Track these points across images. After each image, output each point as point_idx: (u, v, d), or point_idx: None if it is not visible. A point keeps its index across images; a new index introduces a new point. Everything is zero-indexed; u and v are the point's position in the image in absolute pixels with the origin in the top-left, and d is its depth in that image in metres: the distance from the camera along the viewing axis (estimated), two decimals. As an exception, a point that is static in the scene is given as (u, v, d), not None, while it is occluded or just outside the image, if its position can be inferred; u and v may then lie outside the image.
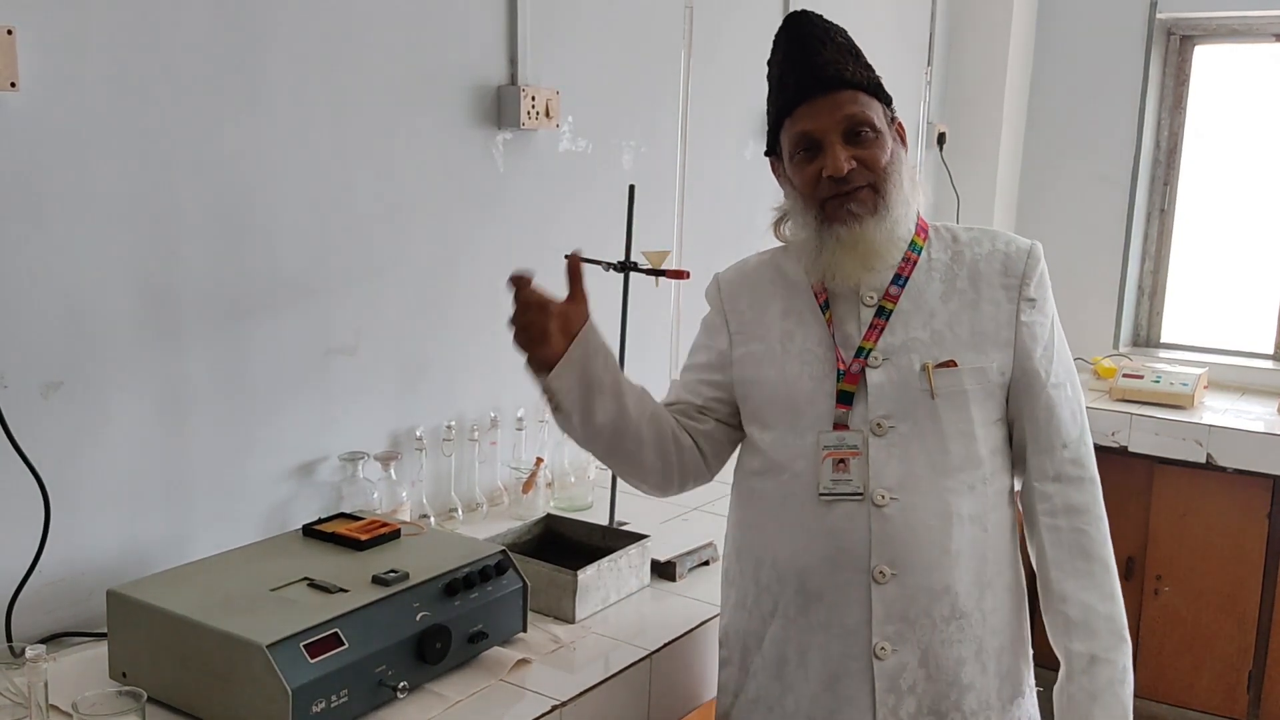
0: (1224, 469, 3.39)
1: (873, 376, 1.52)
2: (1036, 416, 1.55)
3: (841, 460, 1.52)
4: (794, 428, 1.56)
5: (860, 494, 1.50)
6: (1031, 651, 1.63)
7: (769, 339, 1.60)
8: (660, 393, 2.86)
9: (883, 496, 1.50)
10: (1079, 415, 1.57)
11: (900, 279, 1.55)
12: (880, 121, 1.50)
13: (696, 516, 2.37)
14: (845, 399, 1.53)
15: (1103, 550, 1.54)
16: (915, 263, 1.56)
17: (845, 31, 1.54)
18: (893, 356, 1.52)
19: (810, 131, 1.49)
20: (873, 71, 1.52)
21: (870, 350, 1.53)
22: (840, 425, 1.52)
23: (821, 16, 1.55)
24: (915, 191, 1.55)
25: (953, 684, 1.52)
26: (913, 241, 1.56)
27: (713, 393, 1.66)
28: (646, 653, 1.72)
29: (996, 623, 1.54)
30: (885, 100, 1.52)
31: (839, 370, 1.53)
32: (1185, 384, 3.56)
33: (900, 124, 1.55)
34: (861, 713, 1.52)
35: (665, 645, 1.75)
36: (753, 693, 1.62)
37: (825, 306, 1.57)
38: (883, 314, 1.54)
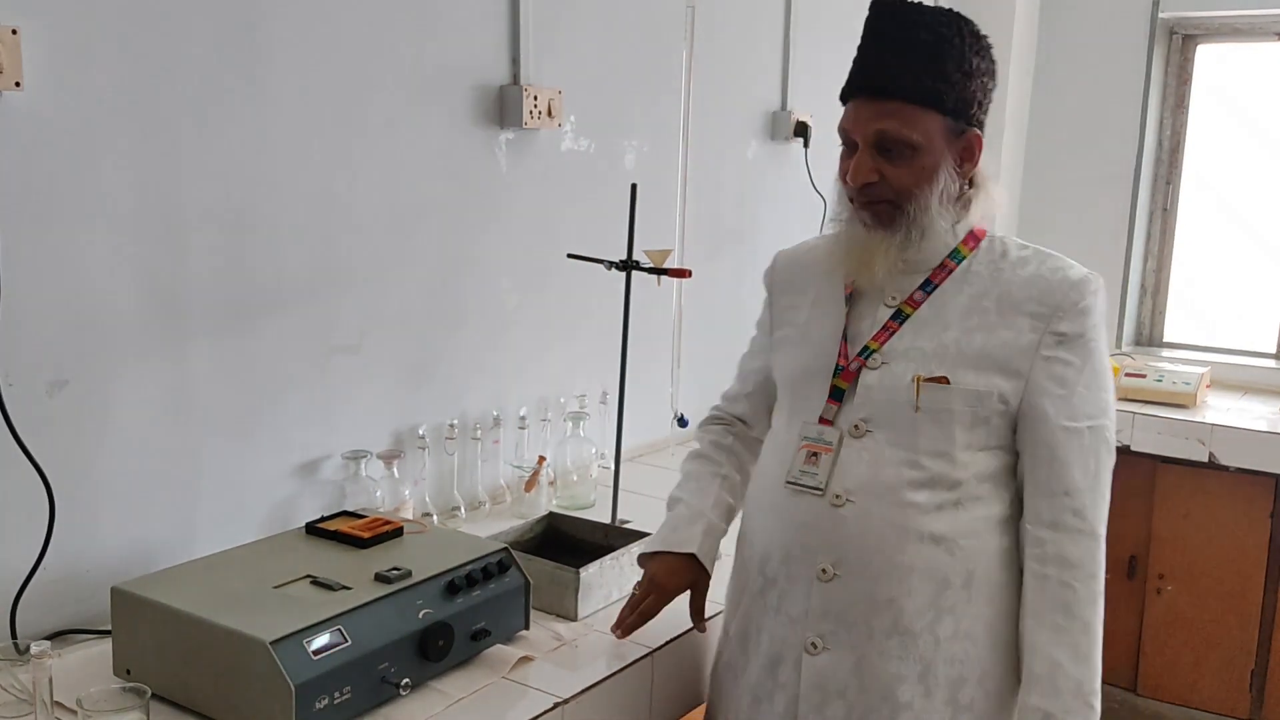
0: (1226, 468, 3.39)
1: (867, 378, 1.51)
2: (1037, 455, 1.48)
3: (814, 454, 1.53)
4: (792, 416, 1.59)
5: (820, 490, 1.51)
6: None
7: (797, 325, 1.63)
8: (656, 395, 2.86)
9: (838, 497, 1.50)
10: (1094, 466, 1.47)
11: (930, 285, 1.52)
12: (924, 137, 1.44)
13: (699, 515, 2.37)
14: (837, 395, 1.53)
15: (1087, 610, 1.45)
16: (952, 272, 1.52)
17: (947, 24, 1.45)
18: (892, 361, 1.51)
19: (848, 130, 1.49)
20: (945, 80, 1.44)
21: (874, 351, 1.52)
22: (826, 420, 1.54)
23: (914, 8, 1.46)
24: (970, 207, 1.52)
25: (885, 699, 1.49)
26: (955, 249, 1.52)
27: (759, 377, 1.74)
28: (648, 650, 1.72)
29: (956, 652, 1.48)
30: (950, 111, 1.45)
31: (838, 365, 1.54)
32: (1188, 383, 3.56)
33: (973, 136, 1.49)
34: (790, 702, 1.55)
35: (667, 643, 1.75)
36: (727, 657, 1.68)
37: (851, 300, 1.57)
38: (899, 317, 1.52)
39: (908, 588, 1.47)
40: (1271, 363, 3.95)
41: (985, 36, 1.50)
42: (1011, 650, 1.51)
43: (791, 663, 1.54)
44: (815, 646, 1.52)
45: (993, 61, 1.52)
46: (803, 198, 3.24)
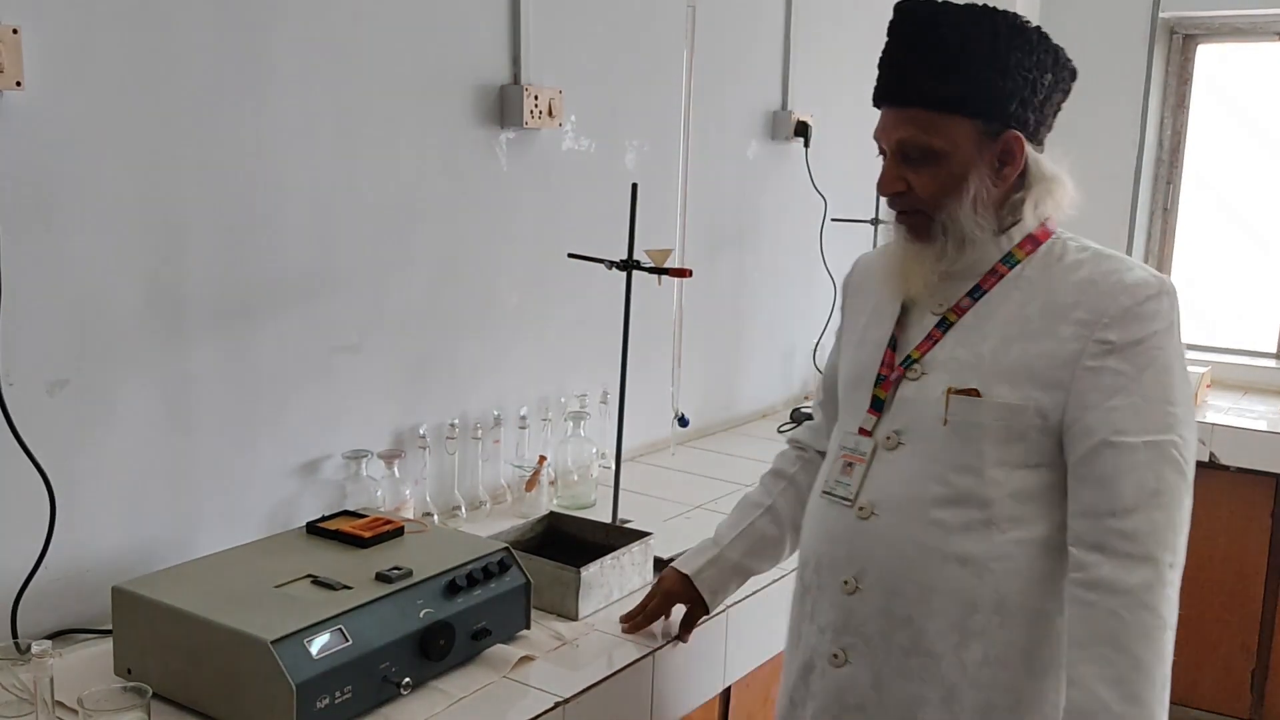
0: (1227, 468, 3.39)
1: (905, 389, 1.46)
2: (1080, 473, 1.36)
3: (850, 464, 1.50)
4: (841, 423, 1.57)
5: (849, 501, 1.49)
6: None
7: (856, 331, 1.60)
8: (656, 395, 2.86)
9: (863, 509, 1.47)
10: (1153, 485, 1.32)
11: (978, 291, 1.44)
12: (947, 143, 1.37)
13: (699, 514, 2.37)
14: (877, 405, 1.49)
15: (1139, 645, 1.30)
16: (1003, 277, 1.43)
17: (976, 20, 1.37)
18: (930, 372, 1.45)
19: (877, 139, 1.45)
20: (970, 81, 1.36)
21: (915, 361, 1.46)
22: (864, 430, 1.50)
23: (937, 7, 1.39)
24: (1020, 210, 1.43)
25: (905, 718, 1.46)
26: (1009, 254, 1.44)
27: (830, 383, 1.71)
28: (649, 650, 1.72)
29: (985, 679, 1.41)
30: (979, 114, 1.37)
31: (879, 374, 1.50)
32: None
33: (1011, 137, 1.39)
34: (818, 711, 1.54)
35: (668, 643, 1.75)
36: (785, 654, 1.67)
37: (905, 307, 1.51)
38: (943, 325, 1.46)
39: (928, 607, 1.42)
40: (1271, 363, 3.95)
41: (1033, 28, 1.40)
42: (1058, 679, 1.41)
43: (820, 672, 1.53)
44: (837, 658, 1.50)
45: (1048, 52, 1.41)
46: (803, 197, 3.24)
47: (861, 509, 1.47)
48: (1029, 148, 1.42)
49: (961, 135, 1.38)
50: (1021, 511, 1.40)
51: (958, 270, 1.45)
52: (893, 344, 1.51)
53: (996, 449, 1.39)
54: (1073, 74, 1.47)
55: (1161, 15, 3.97)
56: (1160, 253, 4.18)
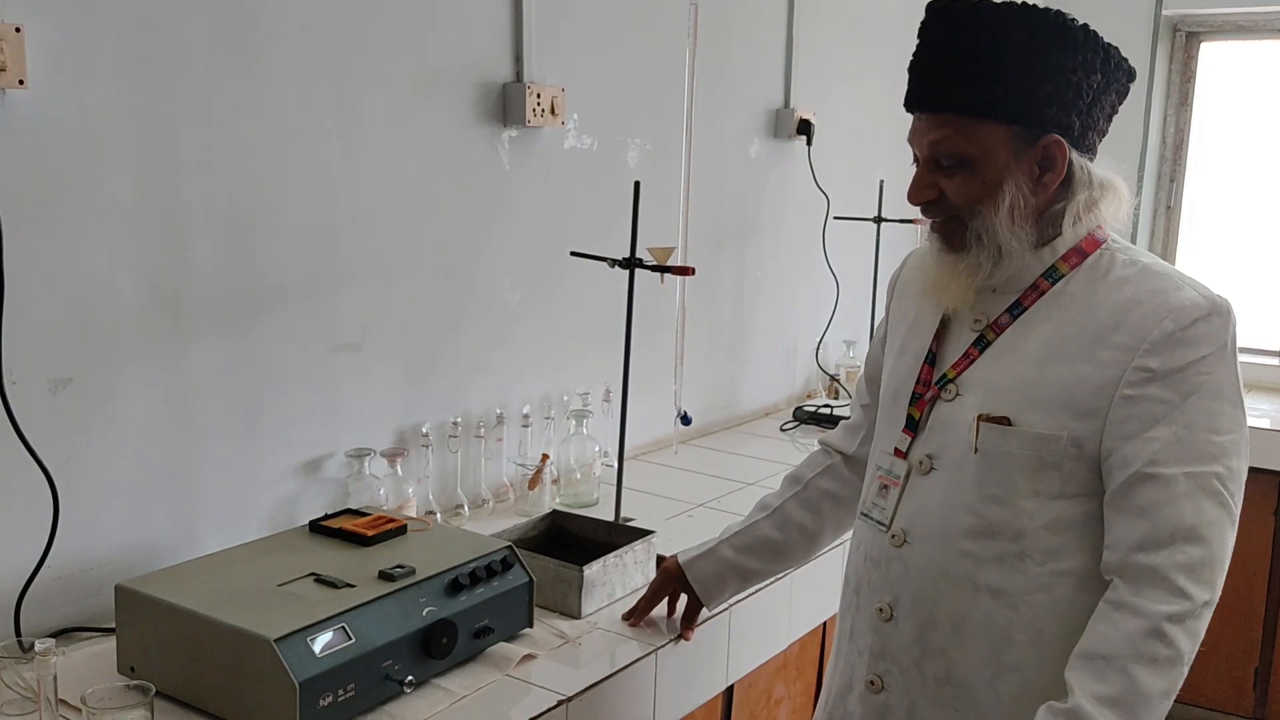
0: (1230, 466, 3.38)
1: (940, 410, 1.41)
2: (1116, 504, 1.29)
3: (885, 486, 1.46)
4: (878, 439, 1.53)
5: (884, 526, 1.45)
6: None
7: (898, 339, 1.53)
8: (659, 393, 2.86)
9: (895, 537, 1.43)
10: (1190, 520, 1.26)
11: (1019, 308, 1.38)
12: (979, 150, 1.31)
13: (702, 513, 2.37)
14: (911, 425, 1.44)
15: (1144, 675, 1.25)
16: (1044, 293, 1.36)
17: (1011, 19, 1.29)
18: (965, 393, 1.38)
19: (910, 145, 1.39)
20: (1003, 85, 1.29)
21: (950, 380, 1.40)
22: (899, 451, 1.45)
23: (970, 7, 1.31)
24: (1060, 221, 1.36)
25: None
26: (1053, 268, 1.37)
27: (871, 387, 1.66)
28: (652, 649, 1.72)
29: (1024, 713, 1.32)
30: (1014, 119, 1.30)
31: (915, 393, 1.44)
32: (1191, 381, 3.55)
33: (1051, 142, 1.32)
34: None
35: (671, 641, 1.75)
36: (827, 670, 1.65)
37: (945, 322, 1.45)
38: (980, 343, 1.39)
39: (961, 639, 1.38)
40: (1274, 360, 3.95)
41: (1079, 26, 1.31)
42: None
43: (857, 695, 1.50)
44: (874, 684, 1.47)
45: (1095, 52, 1.32)
46: (806, 195, 3.23)
47: (894, 536, 1.43)
48: (1073, 154, 1.35)
49: (996, 141, 1.31)
50: (1057, 543, 1.33)
51: (997, 284, 1.38)
52: (931, 359, 1.45)
53: (1029, 479, 1.33)
54: (1129, 74, 1.39)
55: (1165, 13, 3.97)
56: (1163, 251, 4.18)
